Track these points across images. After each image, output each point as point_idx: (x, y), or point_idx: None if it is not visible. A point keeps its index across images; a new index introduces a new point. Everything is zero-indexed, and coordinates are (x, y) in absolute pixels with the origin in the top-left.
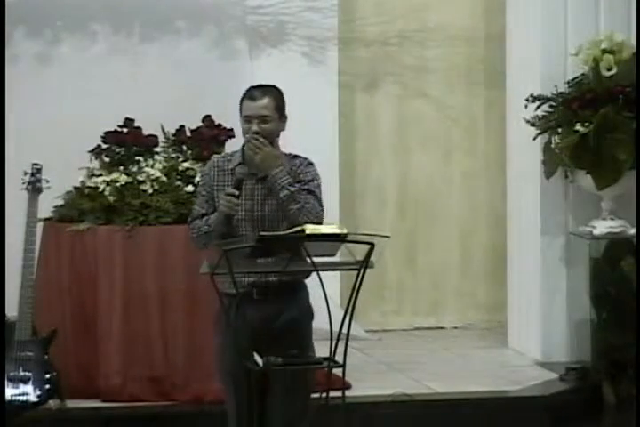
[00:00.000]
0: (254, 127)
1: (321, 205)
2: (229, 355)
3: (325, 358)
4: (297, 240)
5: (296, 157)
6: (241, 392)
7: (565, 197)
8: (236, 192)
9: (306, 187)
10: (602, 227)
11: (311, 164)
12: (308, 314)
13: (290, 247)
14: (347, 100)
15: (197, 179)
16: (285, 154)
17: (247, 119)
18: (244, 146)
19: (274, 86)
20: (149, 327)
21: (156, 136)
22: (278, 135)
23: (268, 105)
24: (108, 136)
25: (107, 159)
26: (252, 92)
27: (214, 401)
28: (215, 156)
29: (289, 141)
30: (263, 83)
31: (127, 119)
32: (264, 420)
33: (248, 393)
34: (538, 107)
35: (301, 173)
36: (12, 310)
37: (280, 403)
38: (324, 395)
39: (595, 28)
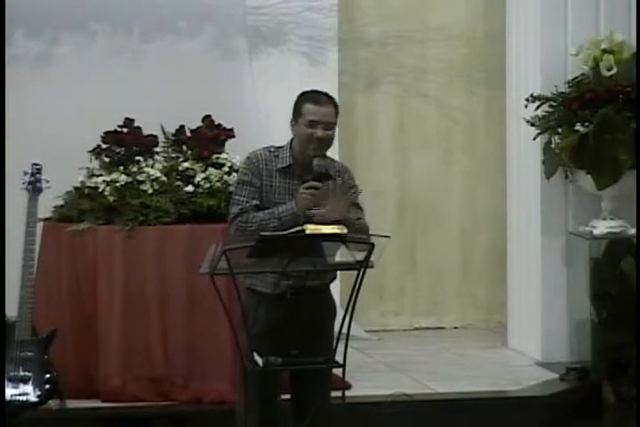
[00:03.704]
0: (320, 133)
1: (363, 214)
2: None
3: (325, 359)
4: (297, 240)
5: (333, 159)
6: (268, 391)
7: (565, 197)
8: (320, 185)
9: (356, 202)
10: (602, 227)
11: (349, 169)
12: (334, 314)
13: (290, 247)
14: (347, 100)
15: (240, 170)
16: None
17: (312, 124)
18: (291, 142)
19: (329, 93)
20: (149, 327)
21: (156, 136)
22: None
23: (332, 112)
24: (107, 136)
25: (107, 159)
26: (318, 97)
27: (214, 401)
28: (259, 149)
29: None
30: (263, 83)
31: (127, 119)
32: (281, 419)
33: (273, 392)
34: (538, 107)
35: (345, 179)
36: (11, 310)
37: (308, 402)
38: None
39: (595, 28)
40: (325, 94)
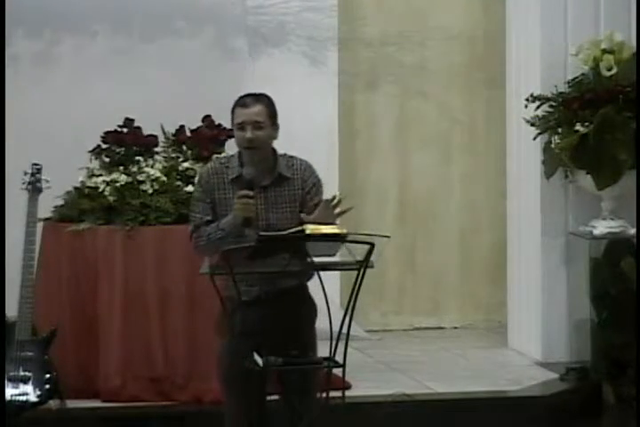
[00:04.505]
0: (248, 134)
1: None
2: (237, 357)
3: (325, 358)
4: (297, 240)
5: (292, 157)
6: (249, 393)
7: (565, 197)
8: (251, 193)
9: (315, 200)
10: (602, 227)
11: (310, 166)
12: (314, 314)
13: (290, 248)
14: (347, 100)
15: (196, 185)
16: (281, 155)
17: (240, 126)
18: (240, 152)
19: (265, 94)
20: (149, 327)
21: (155, 136)
22: (271, 143)
23: (260, 112)
24: (107, 136)
25: (107, 159)
26: (244, 100)
27: (214, 401)
28: (212, 162)
29: (289, 142)
30: (263, 83)
31: (127, 119)
32: (267, 421)
33: (257, 394)
34: (538, 107)
35: (305, 178)
36: (12, 310)
37: (292, 403)
38: (324, 395)
39: (595, 28)
40: (256, 95)
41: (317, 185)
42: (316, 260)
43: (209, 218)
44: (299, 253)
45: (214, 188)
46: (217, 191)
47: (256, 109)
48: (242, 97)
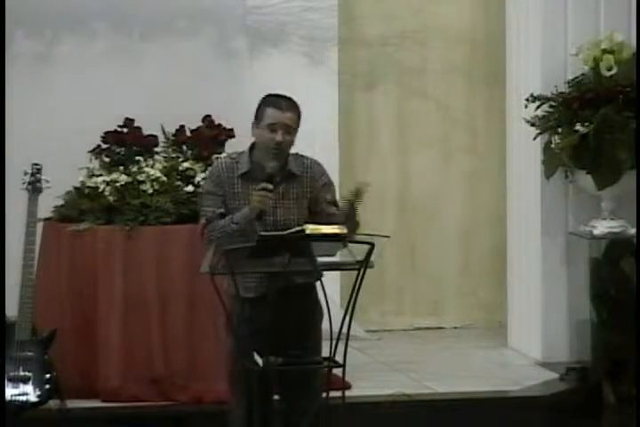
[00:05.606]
0: (278, 137)
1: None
2: (244, 357)
3: (325, 358)
4: (297, 240)
5: (302, 156)
6: (255, 392)
7: (565, 197)
8: (271, 186)
9: (329, 198)
10: (602, 227)
11: (320, 165)
12: (319, 315)
13: (290, 247)
14: (347, 100)
15: (205, 180)
16: (292, 154)
17: (272, 128)
18: (251, 149)
19: (293, 99)
20: (149, 328)
21: (155, 136)
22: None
23: (293, 117)
24: (107, 136)
25: (107, 159)
26: (279, 102)
27: (214, 401)
28: (222, 157)
29: None
30: (263, 83)
31: (127, 119)
32: (271, 421)
33: (263, 393)
34: (538, 107)
35: (316, 177)
36: (12, 310)
37: (293, 403)
38: (325, 395)
39: (595, 28)
40: (288, 99)
41: (329, 184)
42: (317, 260)
43: (221, 211)
44: (299, 253)
45: (225, 182)
46: (227, 186)
47: (290, 114)
48: (276, 98)
